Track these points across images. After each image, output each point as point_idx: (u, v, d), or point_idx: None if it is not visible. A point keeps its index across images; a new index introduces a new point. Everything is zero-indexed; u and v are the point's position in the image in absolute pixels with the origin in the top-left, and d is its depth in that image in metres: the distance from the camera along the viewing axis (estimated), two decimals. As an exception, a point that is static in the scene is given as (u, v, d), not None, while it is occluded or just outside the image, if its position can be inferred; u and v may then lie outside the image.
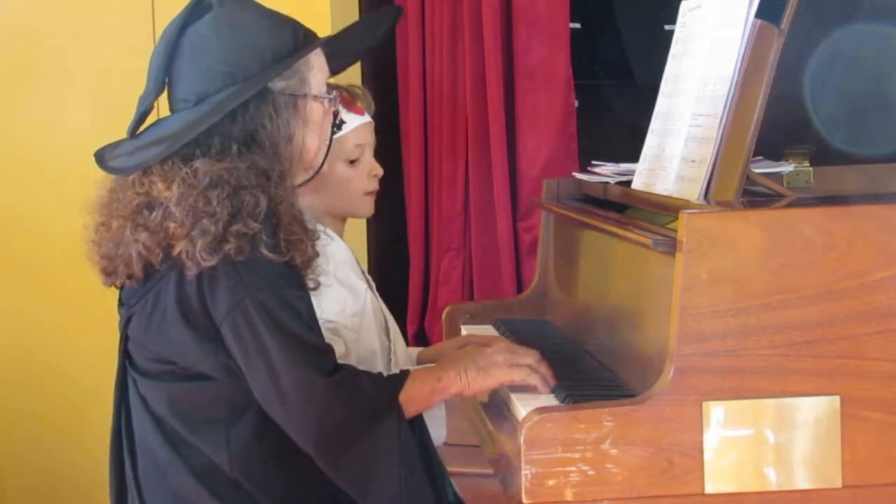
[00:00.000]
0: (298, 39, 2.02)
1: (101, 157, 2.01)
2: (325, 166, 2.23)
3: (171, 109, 2.03)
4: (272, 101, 1.98)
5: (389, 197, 2.58)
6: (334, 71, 2.19)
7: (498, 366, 2.04)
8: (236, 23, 1.99)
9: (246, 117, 1.97)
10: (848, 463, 1.81)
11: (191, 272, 1.89)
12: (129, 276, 2.00)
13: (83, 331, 3.74)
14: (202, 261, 1.87)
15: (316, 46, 2.05)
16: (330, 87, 2.13)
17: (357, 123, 2.44)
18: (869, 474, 1.82)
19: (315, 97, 2.05)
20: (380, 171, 2.50)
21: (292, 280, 1.93)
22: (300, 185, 2.11)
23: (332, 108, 2.10)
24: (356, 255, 2.47)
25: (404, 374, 2.02)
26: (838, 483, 1.82)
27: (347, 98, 2.43)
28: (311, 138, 2.06)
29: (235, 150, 1.96)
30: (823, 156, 2.38)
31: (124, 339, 2.05)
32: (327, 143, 2.10)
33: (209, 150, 1.95)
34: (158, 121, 2.02)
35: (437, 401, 2.04)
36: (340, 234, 2.47)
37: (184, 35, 2.00)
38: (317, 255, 1.99)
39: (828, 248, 1.81)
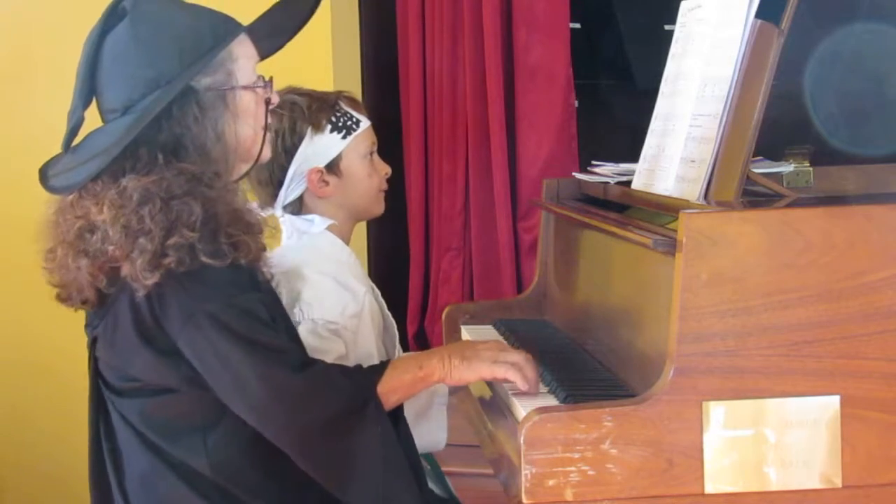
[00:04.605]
0: (218, 32, 1.97)
1: (44, 174, 1.98)
2: (344, 165, 2.38)
3: (103, 121, 1.99)
4: (196, 102, 1.94)
5: (389, 197, 2.59)
6: (269, 52, 2.12)
7: (483, 360, 1.98)
8: (153, 25, 1.95)
9: (171, 123, 1.93)
10: (848, 463, 1.81)
11: (139, 292, 1.87)
12: (84, 302, 1.98)
13: (80, 334, 3.72)
14: (145, 279, 1.84)
15: (236, 35, 1.99)
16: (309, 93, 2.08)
17: (368, 124, 2.49)
18: (869, 474, 1.82)
19: (244, 87, 2.00)
20: (389, 170, 2.55)
21: (241, 283, 1.90)
22: (241, 178, 2.07)
23: (266, 95, 2.04)
24: (358, 260, 2.49)
25: (384, 364, 1.99)
26: (838, 483, 1.81)
27: (356, 101, 2.50)
28: (244, 130, 2.01)
29: (162, 159, 1.91)
30: (823, 156, 2.38)
31: (94, 360, 2.03)
32: (262, 131, 2.05)
33: (136, 164, 1.91)
34: (90, 134, 1.98)
35: (419, 389, 1.99)
36: (348, 240, 2.49)
37: (103, 44, 1.96)
38: (263, 249, 1.96)
39: (828, 248, 1.81)
